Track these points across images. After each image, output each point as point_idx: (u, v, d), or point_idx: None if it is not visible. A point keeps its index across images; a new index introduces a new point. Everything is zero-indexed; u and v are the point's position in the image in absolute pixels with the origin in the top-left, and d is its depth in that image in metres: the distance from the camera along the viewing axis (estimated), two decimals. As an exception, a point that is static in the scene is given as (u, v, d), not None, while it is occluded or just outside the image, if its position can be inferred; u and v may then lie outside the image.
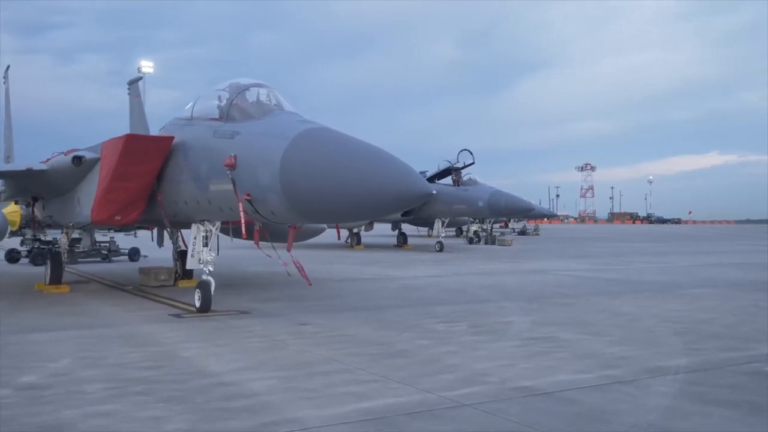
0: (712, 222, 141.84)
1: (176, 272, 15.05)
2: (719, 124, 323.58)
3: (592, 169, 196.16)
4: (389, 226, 35.45)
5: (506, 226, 57.75)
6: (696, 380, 6.38)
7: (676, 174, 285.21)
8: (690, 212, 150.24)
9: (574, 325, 9.60)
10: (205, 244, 10.83)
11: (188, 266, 11.24)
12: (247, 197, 8.96)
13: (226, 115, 9.94)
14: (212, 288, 10.66)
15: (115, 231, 22.95)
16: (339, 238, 13.42)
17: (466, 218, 36.28)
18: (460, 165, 28.77)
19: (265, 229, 11.29)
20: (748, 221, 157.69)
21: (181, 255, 15.08)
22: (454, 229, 45.81)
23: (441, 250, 28.54)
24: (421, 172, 31.23)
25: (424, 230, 40.35)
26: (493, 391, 5.93)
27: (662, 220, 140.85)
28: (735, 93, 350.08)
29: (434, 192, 8.33)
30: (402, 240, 33.49)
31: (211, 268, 10.71)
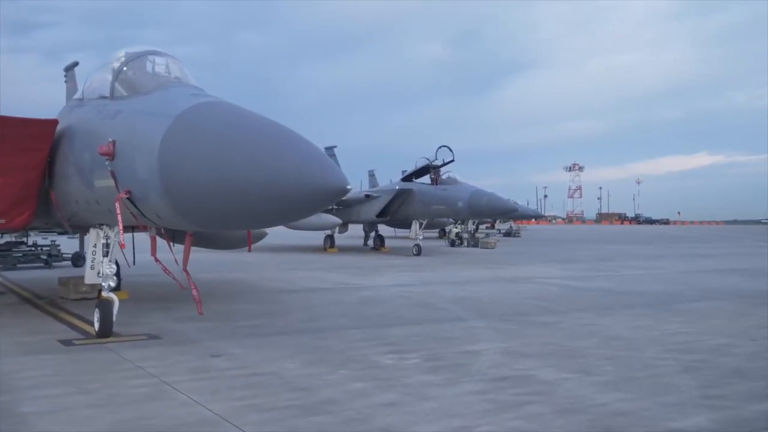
0: (701, 222, 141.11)
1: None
2: (708, 124, 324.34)
3: (580, 169, 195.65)
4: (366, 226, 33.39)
5: (493, 226, 56.03)
6: (728, 458, 4.46)
7: (664, 174, 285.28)
8: (679, 213, 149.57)
9: (557, 356, 7.66)
10: (106, 254, 8.81)
11: (87, 280, 9.28)
12: (127, 195, 6.99)
13: (113, 90, 7.97)
14: (115, 308, 8.66)
15: (58, 234, 20.96)
16: (250, 249, 11.46)
17: (448, 219, 34.47)
18: (438, 162, 26.80)
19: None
20: (735, 222, 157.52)
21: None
22: (436, 230, 43.99)
23: (419, 253, 26.60)
24: (403, 171, 29.21)
25: (404, 232, 38.33)
26: (431, 485, 3.98)
27: (650, 221, 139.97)
28: (724, 93, 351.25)
29: (350, 187, 6.37)
30: (379, 242, 31.49)
31: (112, 284, 8.72)
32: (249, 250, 11.96)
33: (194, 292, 8.68)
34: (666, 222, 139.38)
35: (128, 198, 7.04)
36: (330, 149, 37.30)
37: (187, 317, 10.43)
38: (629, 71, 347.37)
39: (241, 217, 6.50)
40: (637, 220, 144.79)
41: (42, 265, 20.59)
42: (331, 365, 7.13)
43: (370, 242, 32.58)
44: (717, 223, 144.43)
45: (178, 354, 7.69)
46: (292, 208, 6.18)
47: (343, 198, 26.79)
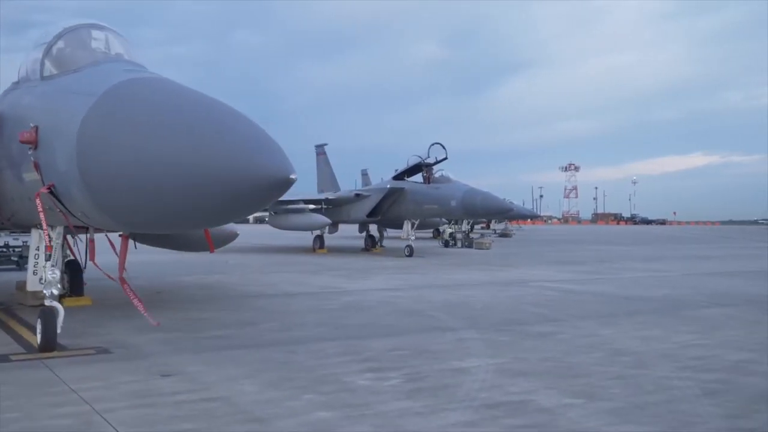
0: (697, 223, 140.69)
1: (63, 288, 12.03)
2: (704, 124, 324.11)
3: (576, 169, 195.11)
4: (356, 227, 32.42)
5: (488, 227, 55.19)
6: None
7: (660, 174, 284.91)
8: (674, 213, 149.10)
9: (557, 375, 6.71)
10: (49, 257, 7.83)
11: (29, 287, 8.31)
12: (48, 189, 6.02)
13: (42, 69, 7.00)
14: (60, 318, 7.67)
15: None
16: (212, 250, 10.45)
17: (441, 219, 33.57)
18: (431, 160, 25.86)
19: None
20: (731, 222, 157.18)
21: (69, 266, 12.12)
22: (431, 230, 43.06)
23: (410, 254, 25.65)
24: (395, 170, 28.13)
25: (396, 232, 37.37)
26: None
27: (646, 221, 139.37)
28: (720, 93, 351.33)
29: (294, 177, 5.38)
30: (370, 243, 30.52)
31: (55, 291, 7.73)
32: (211, 251, 10.91)
33: (137, 303, 7.68)
34: (662, 222, 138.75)
35: (51, 193, 6.08)
36: (320, 147, 36.40)
37: (149, 327, 9.44)
38: (625, 71, 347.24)
39: (172, 217, 5.54)
40: (633, 220, 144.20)
41: (14, 267, 19.59)
42: (297, 387, 6.17)
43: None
44: (713, 223, 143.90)
45: (123, 373, 6.71)
46: (228, 205, 5.23)
47: (332, 197, 25.81)
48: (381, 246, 30.74)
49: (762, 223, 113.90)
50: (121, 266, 7.57)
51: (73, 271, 12.00)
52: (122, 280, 7.61)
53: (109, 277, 8.27)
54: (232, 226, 12.78)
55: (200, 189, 4.97)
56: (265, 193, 5.15)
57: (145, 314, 7.91)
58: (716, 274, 19.27)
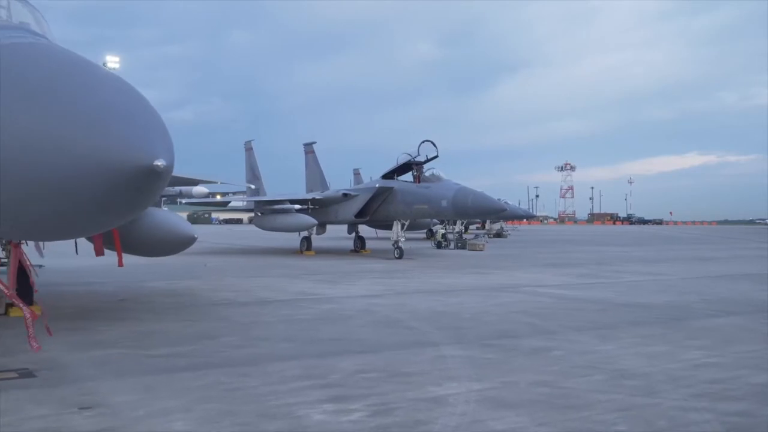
0: (693, 222, 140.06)
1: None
2: (699, 124, 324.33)
3: (572, 169, 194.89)
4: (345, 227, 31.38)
5: (483, 227, 54.30)
6: None
7: (656, 174, 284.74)
8: (671, 213, 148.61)
9: (551, 405, 5.66)
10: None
11: None
12: None
13: None
14: None
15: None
16: (121, 263, 9.39)
17: (431, 219, 32.59)
18: (422, 158, 24.84)
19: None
20: (726, 222, 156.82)
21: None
22: (424, 231, 42.11)
23: (400, 256, 24.64)
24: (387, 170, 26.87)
25: (387, 232, 36.27)
26: None
27: (643, 221, 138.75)
28: (715, 93, 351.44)
29: (161, 164, 4.30)
30: (359, 244, 29.47)
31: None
32: (120, 265, 9.91)
33: (27, 314, 6.65)
34: (659, 222, 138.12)
35: None
36: (309, 145, 35.39)
37: (90, 341, 8.40)
38: (619, 71, 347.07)
39: (35, 220, 4.47)
40: (629, 220, 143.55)
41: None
42: (238, 425, 5.12)
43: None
44: (710, 223, 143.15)
45: (37, 404, 5.65)
46: (78, 206, 4.15)
47: (319, 197, 24.55)
48: (361, 248, 29.40)
49: (759, 223, 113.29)
50: (12, 280, 6.51)
51: (20, 278, 10.92)
52: (15, 297, 6.54)
53: (5, 291, 7.20)
54: (188, 229, 11.54)
55: (49, 184, 3.92)
56: (121, 189, 4.04)
57: (31, 337, 6.86)
58: (720, 277, 18.28)
